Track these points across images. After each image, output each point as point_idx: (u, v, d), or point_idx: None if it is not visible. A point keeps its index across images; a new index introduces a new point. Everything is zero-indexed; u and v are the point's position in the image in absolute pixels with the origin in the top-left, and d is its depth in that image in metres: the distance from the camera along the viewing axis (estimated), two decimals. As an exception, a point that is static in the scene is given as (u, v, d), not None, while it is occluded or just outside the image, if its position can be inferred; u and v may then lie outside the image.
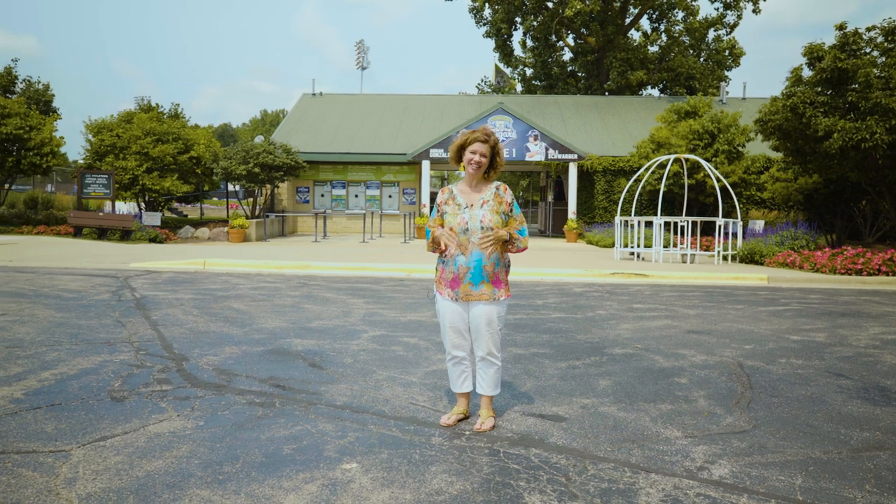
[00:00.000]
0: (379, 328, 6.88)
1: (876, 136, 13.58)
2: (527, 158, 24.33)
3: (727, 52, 38.12)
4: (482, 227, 3.77)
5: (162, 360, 5.35)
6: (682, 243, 16.39)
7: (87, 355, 5.43)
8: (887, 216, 16.86)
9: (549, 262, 14.19)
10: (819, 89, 14.95)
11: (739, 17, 37.17)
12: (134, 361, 5.27)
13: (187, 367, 5.14)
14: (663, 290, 10.62)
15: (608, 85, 37.80)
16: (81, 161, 23.54)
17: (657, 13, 38.96)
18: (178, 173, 22.44)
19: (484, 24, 40.07)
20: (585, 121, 29.15)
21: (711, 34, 38.20)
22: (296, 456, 3.41)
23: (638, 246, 16.04)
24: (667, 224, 18.35)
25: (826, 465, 3.41)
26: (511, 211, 3.86)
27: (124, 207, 27.32)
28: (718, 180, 17.26)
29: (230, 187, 29.21)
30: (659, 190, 18.62)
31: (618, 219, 16.33)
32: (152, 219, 20.44)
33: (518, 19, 39.41)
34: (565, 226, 23.73)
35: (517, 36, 41.91)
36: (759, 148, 23.38)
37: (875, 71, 14.20)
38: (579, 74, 40.87)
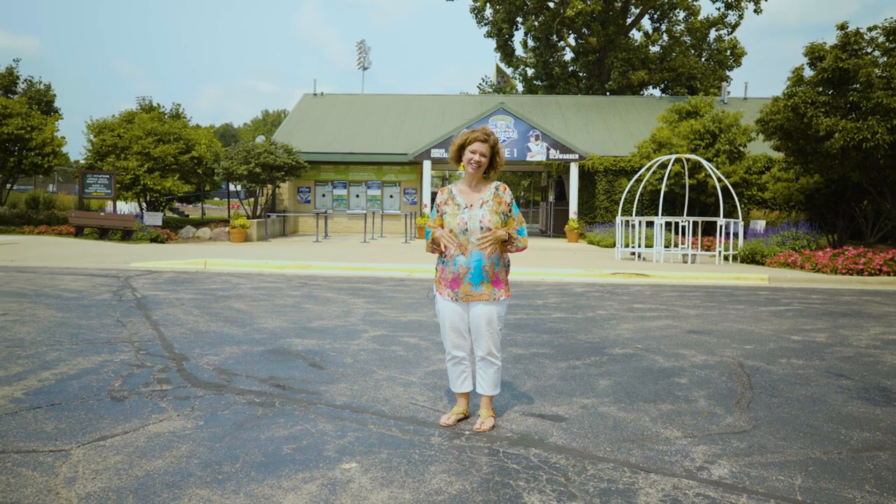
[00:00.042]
0: (379, 328, 6.88)
1: (877, 136, 13.57)
2: (528, 158, 24.33)
3: (728, 52, 38.09)
4: (481, 228, 3.77)
5: (162, 359, 5.36)
6: (683, 243, 16.39)
7: (88, 355, 5.43)
8: (889, 216, 16.84)
9: (550, 262, 14.18)
10: (820, 89, 14.93)
11: (741, 16, 37.15)
12: (134, 361, 5.27)
13: (187, 366, 5.15)
14: (664, 290, 10.61)
15: (609, 85, 37.79)
16: (83, 161, 23.57)
17: (658, 13, 38.94)
18: (180, 173, 22.46)
19: (485, 24, 40.08)
20: (587, 121, 29.14)
21: (713, 34, 38.18)
22: (295, 456, 3.41)
23: (639, 246, 16.03)
24: (668, 224, 18.34)
25: (826, 466, 3.41)
26: (510, 211, 3.86)
27: (125, 207, 27.32)
28: (720, 180, 17.24)
29: (231, 187, 29.24)
30: (660, 190, 18.61)
31: (619, 219, 16.33)
32: (153, 219, 20.46)
33: (519, 19, 39.41)
34: (566, 226, 23.72)
35: (518, 36, 42.05)
36: (760, 148, 23.36)
37: (876, 71, 14.19)
38: (580, 74, 40.86)
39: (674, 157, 16.65)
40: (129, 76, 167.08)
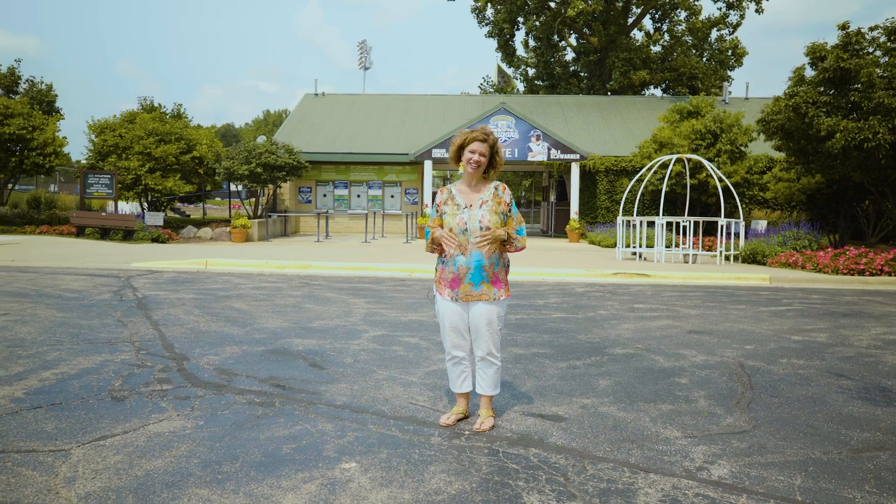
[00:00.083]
0: (379, 328, 6.88)
1: (879, 136, 13.56)
2: (529, 158, 24.32)
3: (730, 52, 38.04)
4: (481, 228, 3.77)
5: (163, 359, 5.36)
6: (684, 243, 16.37)
7: (88, 355, 5.44)
8: (890, 216, 16.82)
9: (551, 262, 14.18)
10: (822, 89, 14.92)
11: (742, 16, 37.11)
12: (135, 361, 5.28)
13: (188, 366, 5.15)
14: (665, 291, 10.61)
15: (610, 85, 37.76)
16: (84, 161, 23.59)
17: (660, 13, 38.91)
18: (181, 173, 22.48)
19: (486, 24, 40.06)
20: (588, 121, 29.12)
21: (714, 34, 38.14)
22: (295, 455, 3.41)
23: (640, 246, 16.03)
24: (669, 224, 18.32)
25: (826, 466, 3.40)
26: (509, 211, 3.86)
27: (127, 207, 27.33)
28: (721, 180, 17.22)
29: (232, 187, 29.26)
30: (661, 190, 18.59)
31: (620, 219, 16.32)
32: (155, 219, 20.48)
33: (520, 19, 39.38)
34: (567, 226, 23.71)
35: (519, 36, 42.07)
36: (761, 148, 23.33)
37: (878, 71, 14.18)
38: (582, 74, 40.84)
39: (675, 157, 16.64)
40: (130, 76, 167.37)
